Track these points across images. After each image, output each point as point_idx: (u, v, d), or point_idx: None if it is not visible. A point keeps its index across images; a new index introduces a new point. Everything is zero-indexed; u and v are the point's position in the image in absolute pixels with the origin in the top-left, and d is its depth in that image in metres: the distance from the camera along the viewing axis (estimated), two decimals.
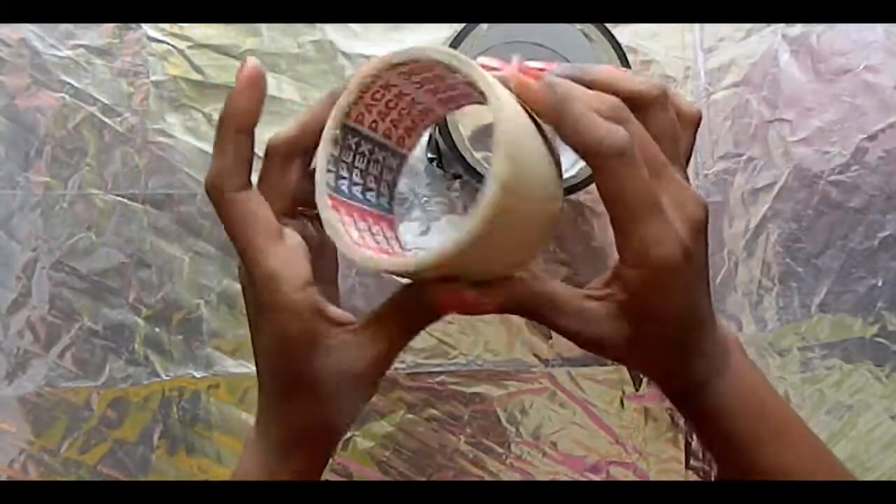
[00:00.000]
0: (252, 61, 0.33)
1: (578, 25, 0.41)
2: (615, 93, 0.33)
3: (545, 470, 0.46)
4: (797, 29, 0.47)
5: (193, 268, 0.46)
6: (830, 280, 0.47)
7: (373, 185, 0.36)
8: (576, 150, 0.32)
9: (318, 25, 0.46)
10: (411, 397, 0.46)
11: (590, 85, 0.34)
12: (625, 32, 0.45)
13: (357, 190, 0.35)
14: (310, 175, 0.34)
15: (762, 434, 0.37)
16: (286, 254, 0.33)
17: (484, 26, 0.40)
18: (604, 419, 0.46)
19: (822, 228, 0.47)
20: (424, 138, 0.46)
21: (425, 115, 0.35)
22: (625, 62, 0.40)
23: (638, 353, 0.36)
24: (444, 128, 0.39)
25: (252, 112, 0.33)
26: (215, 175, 0.33)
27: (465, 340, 0.46)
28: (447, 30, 0.43)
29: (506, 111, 0.30)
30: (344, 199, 0.34)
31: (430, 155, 0.45)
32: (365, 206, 0.35)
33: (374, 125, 0.34)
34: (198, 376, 0.46)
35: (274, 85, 0.45)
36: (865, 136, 0.47)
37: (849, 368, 0.47)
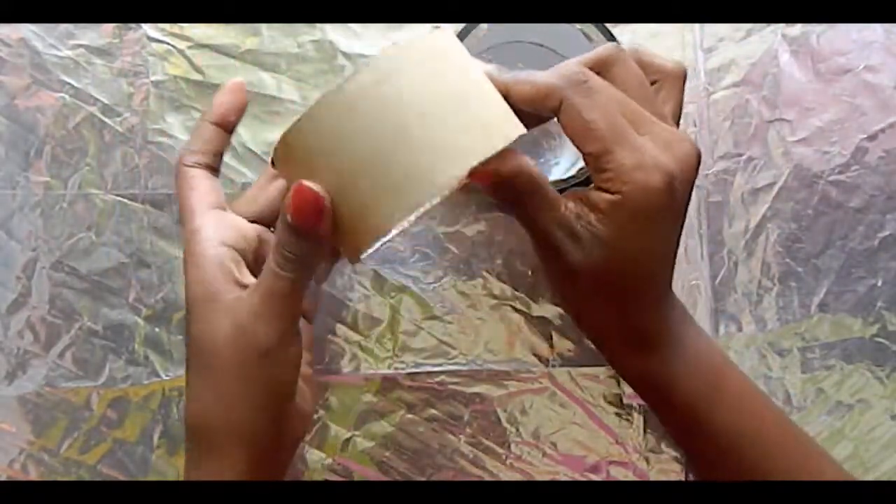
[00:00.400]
0: (236, 80, 0.39)
1: (578, 25, 0.41)
2: (579, 63, 0.35)
3: (545, 470, 0.46)
4: (797, 29, 0.47)
5: None
6: (830, 280, 0.47)
7: None
8: (535, 106, 0.34)
9: (318, 25, 0.46)
10: (411, 397, 0.46)
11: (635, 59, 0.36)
12: (625, 32, 0.45)
13: None
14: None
15: (710, 394, 0.37)
16: (217, 219, 0.37)
17: (484, 26, 0.40)
18: (604, 419, 0.46)
19: (822, 228, 0.47)
20: None
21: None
22: None
23: (594, 287, 0.35)
24: None
25: (228, 109, 0.38)
26: (181, 151, 0.38)
27: (465, 340, 0.46)
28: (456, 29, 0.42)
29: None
30: None
31: None
32: None
33: None
34: None
35: (274, 85, 0.45)
36: (865, 135, 0.47)
37: (849, 368, 0.47)
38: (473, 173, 0.32)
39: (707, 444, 0.38)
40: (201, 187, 0.37)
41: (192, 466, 0.36)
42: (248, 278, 0.35)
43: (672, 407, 0.38)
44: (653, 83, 0.37)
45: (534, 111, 0.34)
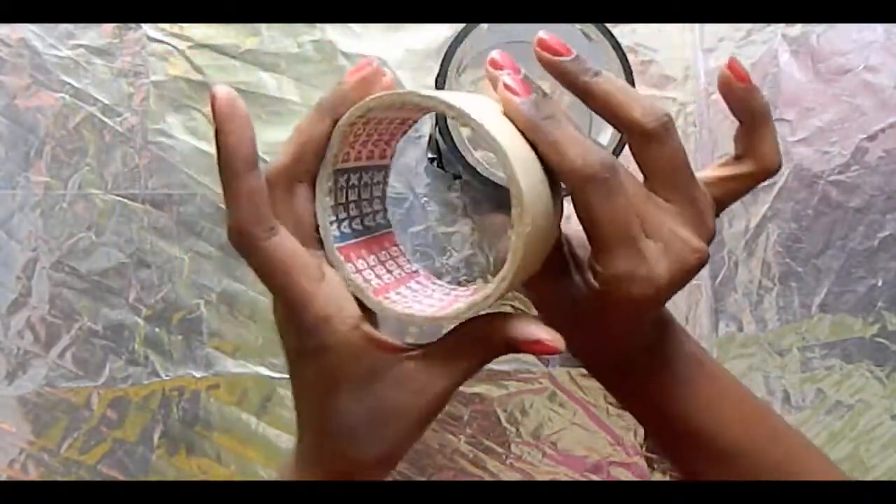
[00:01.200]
0: (222, 89, 0.30)
1: (578, 25, 0.41)
2: (613, 118, 0.32)
3: (545, 470, 0.46)
4: (797, 29, 0.47)
5: (193, 268, 0.46)
6: (830, 280, 0.47)
7: (368, 209, 0.36)
8: (556, 170, 0.31)
9: (318, 25, 0.46)
10: None
11: (589, 105, 0.33)
12: (625, 32, 0.45)
13: (357, 223, 0.35)
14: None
15: (698, 398, 0.37)
16: (332, 293, 0.32)
17: (484, 26, 0.40)
18: (604, 419, 0.46)
19: (822, 228, 0.47)
20: (425, 139, 0.46)
21: (403, 124, 0.35)
22: (625, 62, 0.40)
23: (570, 337, 0.34)
24: (444, 128, 0.39)
25: (248, 145, 0.31)
26: (242, 225, 0.31)
27: None
28: (447, 30, 0.43)
29: (507, 141, 0.30)
30: (351, 242, 0.34)
31: (430, 155, 0.45)
32: (368, 236, 0.36)
33: (359, 154, 0.34)
34: (198, 376, 0.46)
35: (274, 85, 0.45)
36: (865, 136, 0.47)
37: (849, 368, 0.47)
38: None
39: (687, 447, 0.38)
40: (297, 255, 0.32)
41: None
42: (389, 340, 0.33)
43: (652, 411, 0.38)
44: (737, 156, 0.36)
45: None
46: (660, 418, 0.38)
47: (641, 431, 0.46)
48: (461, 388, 0.45)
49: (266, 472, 0.45)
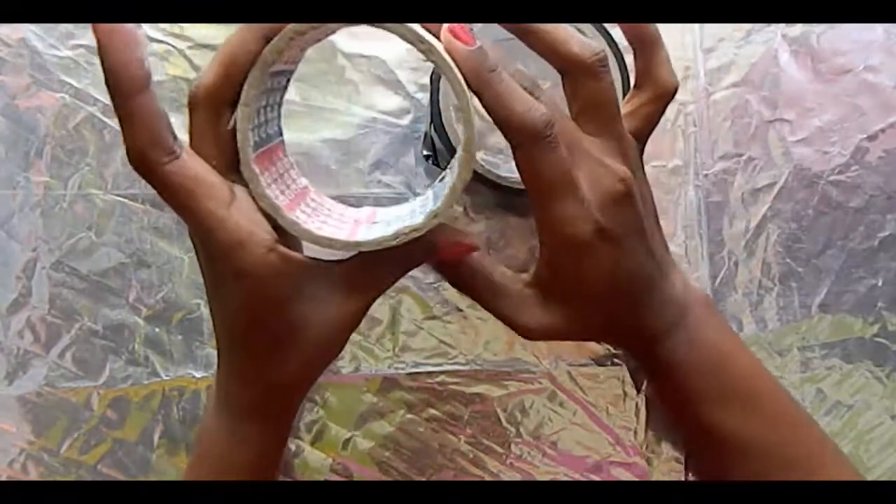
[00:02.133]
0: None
1: (576, 25, 0.40)
2: (552, 53, 0.34)
3: (545, 470, 0.46)
4: (797, 29, 0.47)
5: (193, 268, 0.46)
6: (830, 280, 0.47)
7: (270, 115, 0.35)
8: (495, 123, 0.33)
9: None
10: (411, 397, 0.46)
11: (529, 42, 0.34)
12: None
13: (262, 130, 0.34)
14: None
15: (717, 392, 0.38)
16: (243, 216, 0.32)
17: (478, 25, 0.40)
18: (604, 419, 0.46)
19: (823, 228, 0.47)
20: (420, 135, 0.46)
21: (322, 32, 0.35)
22: (621, 62, 0.40)
23: (578, 329, 0.37)
24: (439, 125, 0.39)
25: (136, 64, 0.30)
26: (138, 148, 0.31)
27: (465, 340, 0.46)
28: None
29: (454, 71, 0.32)
30: (258, 151, 0.34)
31: (425, 152, 0.45)
32: (267, 146, 0.35)
33: (285, 59, 0.34)
34: (198, 376, 0.46)
35: None
36: (865, 136, 0.47)
37: (849, 368, 0.47)
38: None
39: (706, 436, 0.38)
40: (203, 178, 0.32)
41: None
42: (308, 259, 0.34)
43: (666, 397, 0.39)
44: (636, 86, 0.38)
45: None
46: (678, 405, 0.38)
47: (641, 431, 0.46)
48: (461, 387, 0.46)
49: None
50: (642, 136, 0.37)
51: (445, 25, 0.32)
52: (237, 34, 0.33)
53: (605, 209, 0.34)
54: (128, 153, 0.31)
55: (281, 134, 0.37)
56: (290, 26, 0.32)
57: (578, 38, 0.34)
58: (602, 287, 0.36)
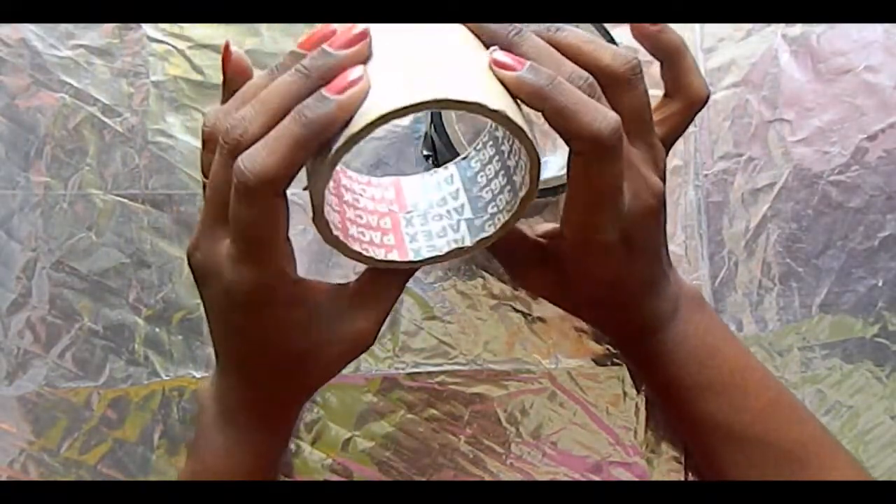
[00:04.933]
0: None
1: (577, 25, 0.40)
2: (584, 65, 0.32)
3: (545, 470, 0.46)
4: (797, 29, 0.47)
5: None
6: (831, 280, 0.47)
7: None
8: (560, 134, 0.31)
9: (318, 25, 0.45)
10: (411, 397, 0.46)
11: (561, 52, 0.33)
12: (624, 32, 0.45)
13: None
14: None
15: (707, 383, 0.39)
16: (289, 251, 0.33)
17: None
18: (604, 419, 0.46)
19: (823, 228, 0.47)
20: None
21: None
22: None
23: (567, 305, 0.39)
24: (439, 125, 0.39)
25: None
26: (270, 174, 0.29)
27: (465, 340, 0.46)
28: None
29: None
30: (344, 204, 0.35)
31: (425, 152, 0.45)
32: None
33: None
34: (198, 376, 0.46)
35: None
36: (865, 136, 0.47)
37: (849, 368, 0.47)
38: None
39: (702, 427, 0.39)
40: (284, 225, 0.32)
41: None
42: (319, 285, 0.35)
43: (660, 389, 0.40)
44: (666, 94, 0.38)
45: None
46: (676, 398, 0.39)
47: (641, 431, 0.46)
48: (461, 388, 0.46)
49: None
50: (668, 144, 0.37)
51: (492, 60, 0.31)
52: (295, 139, 0.30)
53: (636, 221, 0.34)
54: (252, 169, 0.29)
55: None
56: (369, 122, 0.29)
57: (610, 48, 0.33)
58: (606, 287, 0.37)
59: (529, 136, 0.31)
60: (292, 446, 0.46)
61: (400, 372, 0.46)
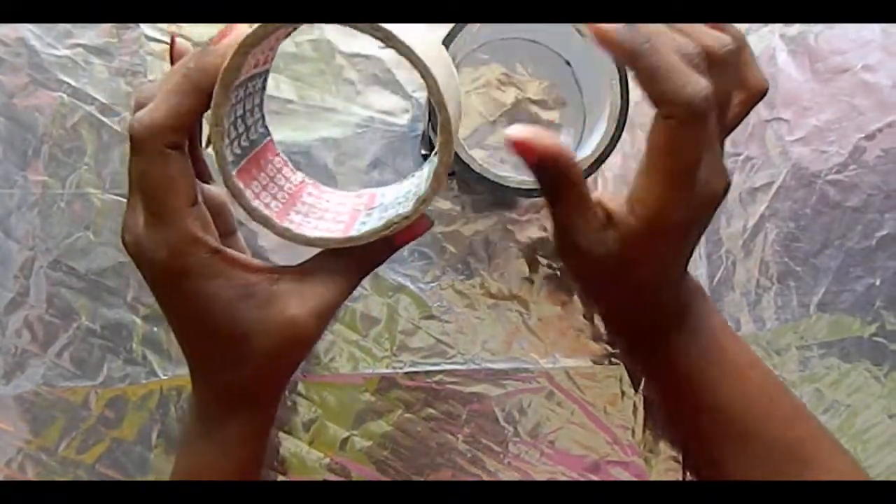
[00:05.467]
0: (243, 27, 0.32)
1: (575, 25, 0.40)
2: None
3: (543, 469, 0.46)
4: (795, 28, 0.47)
5: None
6: (828, 279, 0.47)
7: (251, 120, 0.35)
8: (649, 96, 0.31)
9: (316, 24, 0.46)
10: (409, 396, 0.46)
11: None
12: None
13: (244, 139, 0.34)
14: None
15: (718, 379, 0.38)
16: (200, 217, 0.33)
17: (476, 24, 0.40)
18: (602, 419, 0.46)
19: (820, 228, 0.47)
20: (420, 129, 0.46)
21: (288, 31, 0.35)
22: (622, 70, 0.40)
23: (609, 290, 0.36)
24: (436, 124, 0.39)
25: (214, 76, 0.32)
26: (156, 122, 0.31)
27: (462, 340, 0.46)
28: (447, 28, 0.42)
29: (426, 54, 0.32)
30: (242, 164, 0.34)
31: (423, 151, 0.45)
32: (255, 150, 0.35)
33: (250, 65, 0.33)
34: None
35: (272, 84, 0.45)
36: (863, 135, 0.47)
37: (847, 367, 0.47)
38: (517, 145, 0.33)
39: (706, 423, 0.38)
40: (186, 174, 0.32)
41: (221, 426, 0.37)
42: (260, 263, 0.35)
43: (675, 382, 0.38)
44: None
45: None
46: (683, 392, 0.38)
47: (639, 430, 0.46)
48: (459, 387, 0.46)
49: (264, 471, 0.45)
50: (724, 137, 0.37)
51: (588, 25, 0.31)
52: (177, 88, 0.32)
53: (703, 207, 0.33)
54: (141, 122, 0.32)
55: (268, 134, 0.37)
56: (241, 42, 0.32)
57: (711, 31, 0.33)
58: (656, 270, 0.35)
59: (422, 61, 0.31)
60: (290, 446, 0.46)
61: (398, 371, 0.46)
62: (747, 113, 0.36)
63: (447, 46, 0.39)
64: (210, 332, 0.34)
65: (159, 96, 0.32)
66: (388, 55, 0.45)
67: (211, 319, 0.33)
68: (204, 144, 0.35)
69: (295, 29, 0.35)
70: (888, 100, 0.47)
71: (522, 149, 0.33)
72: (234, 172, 0.33)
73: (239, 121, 0.34)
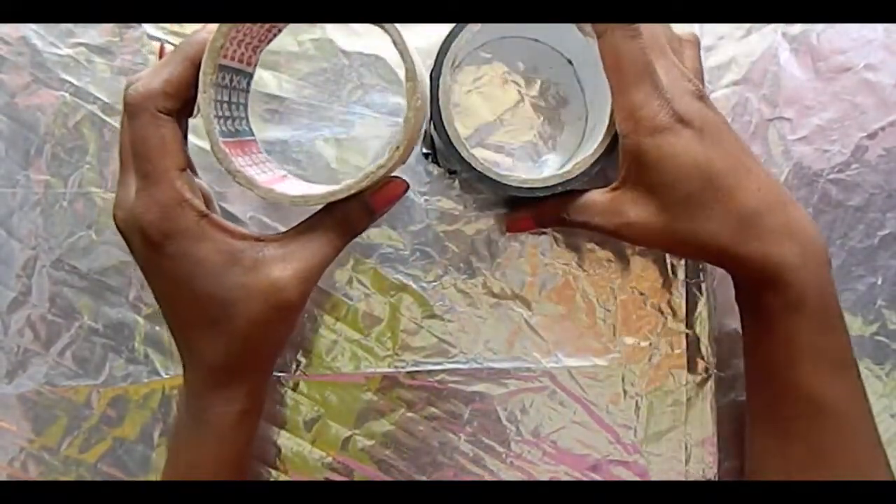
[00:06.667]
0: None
1: (576, 24, 0.40)
2: None
3: (545, 468, 0.46)
4: (797, 27, 0.47)
5: None
6: None
7: (235, 113, 0.37)
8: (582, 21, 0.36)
9: (318, 24, 0.46)
10: (411, 396, 0.46)
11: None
12: None
13: (229, 123, 0.36)
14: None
15: (824, 354, 0.37)
16: (188, 182, 0.35)
17: (477, 25, 0.40)
18: (604, 418, 0.46)
19: (823, 227, 0.47)
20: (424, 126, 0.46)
21: (270, 31, 0.37)
22: None
23: (674, 225, 0.37)
24: (438, 123, 0.39)
25: (202, 49, 0.35)
26: (150, 88, 0.34)
27: (465, 339, 0.46)
28: (448, 28, 0.42)
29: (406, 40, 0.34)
30: (227, 140, 0.36)
31: (424, 150, 0.45)
32: (239, 138, 0.37)
33: (232, 54, 0.36)
34: None
35: (274, 83, 0.45)
36: (865, 134, 0.47)
37: None
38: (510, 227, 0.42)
39: (804, 396, 0.38)
40: (177, 140, 0.35)
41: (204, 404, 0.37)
42: (244, 230, 0.36)
43: (780, 346, 0.38)
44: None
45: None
46: (776, 362, 0.38)
47: (641, 430, 0.46)
48: (461, 386, 0.46)
49: (265, 471, 0.45)
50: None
51: None
52: (180, 52, 0.35)
53: (681, 100, 0.36)
54: (136, 87, 0.34)
55: (252, 134, 0.39)
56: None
57: None
58: (686, 171, 0.36)
59: (409, 53, 0.34)
60: (292, 445, 0.46)
61: (400, 370, 0.46)
62: (699, 57, 0.40)
63: (448, 46, 0.40)
64: (196, 297, 0.35)
65: (152, 68, 0.35)
66: (390, 54, 0.45)
67: (197, 284, 0.34)
68: (194, 113, 0.37)
69: (276, 30, 0.37)
70: (890, 99, 0.47)
71: (516, 230, 0.43)
72: (220, 140, 0.34)
73: (225, 105, 0.35)
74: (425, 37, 0.42)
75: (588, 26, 0.40)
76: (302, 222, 0.37)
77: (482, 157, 0.42)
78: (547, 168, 0.45)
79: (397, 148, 0.35)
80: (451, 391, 0.46)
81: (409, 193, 0.45)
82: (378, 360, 0.46)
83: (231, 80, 0.36)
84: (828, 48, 0.47)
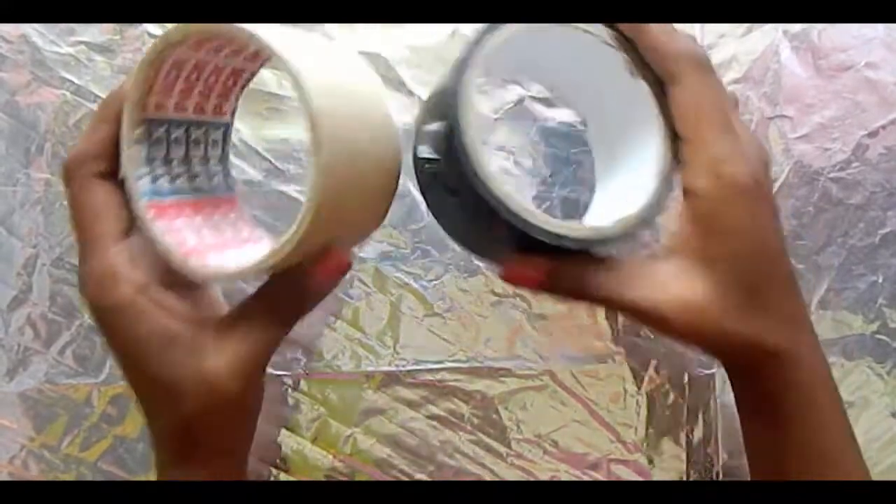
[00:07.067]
0: None
1: (582, 25, 0.40)
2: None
3: (546, 467, 0.46)
4: (798, 25, 0.47)
5: None
6: (831, 277, 0.47)
7: (199, 168, 0.34)
8: (653, 64, 0.33)
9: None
10: (412, 394, 0.46)
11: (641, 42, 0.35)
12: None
13: (182, 181, 0.33)
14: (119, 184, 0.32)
15: (827, 421, 0.35)
16: (129, 253, 0.32)
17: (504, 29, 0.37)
18: (605, 417, 0.46)
19: (823, 225, 0.47)
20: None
21: (237, 76, 0.34)
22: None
23: (720, 303, 0.31)
24: (455, 123, 0.32)
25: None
26: (82, 151, 0.32)
27: (465, 337, 0.46)
28: (448, 27, 0.42)
29: (312, 79, 0.29)
30: (169, 199, 0.33)
31: (427, 155, 0.38)
32: (197, 196, 0.34)
33: (179, 106, 0.33)
34: None
35: (274, 82, 0.45)
36: (866, 132, 0.47)
37: (849, 365, 0.47)
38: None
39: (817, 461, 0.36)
40: (113, 205, 0.32)
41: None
42: (186, 310, 0.33)
43: (780, 415, 0.35)
44: None
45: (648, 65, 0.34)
46: (782, 429, 0.36)
47: (642, 429, 0.46)
48: (462, 385, 0.46)
49: (266, 470, 0.45)
50: None
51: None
52: (103, 105, 0.33)
53: (759, 166, 0.32)
54: (70, 151, 0.33)
55: (227, 190, 0.35)
56: (140, 61, 0.32)
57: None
58: (752, 243, 0.32)
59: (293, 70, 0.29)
60: (293, 444, 0.46)
61: (400, 369, 0.46)
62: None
63: (476, 49, 0.34)
64: (142, 376, 0.33)
65: (89, 128, 0.33)
66: (391, 53, 0.45)
67: (140, 363, 0.32)
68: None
69: (247, 74, 0.34)
70: (891, 97, 0.47)
71: (516, 283, 0.34)
72: (143, 202, 0.32)
73: (176, 161, 0.33)
74: (430, 37, 0.42)
75: (596, 27, 0.40)
76: (246, 299, 0.33)
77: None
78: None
79: (301, 222, 0.28)
80: (451, 390, 0.46)
81: (410, 192, 0.45)
82: (379, 359, 0.46)
83: (187, 134, 0.33)
84: (829, 46, 0.47)
